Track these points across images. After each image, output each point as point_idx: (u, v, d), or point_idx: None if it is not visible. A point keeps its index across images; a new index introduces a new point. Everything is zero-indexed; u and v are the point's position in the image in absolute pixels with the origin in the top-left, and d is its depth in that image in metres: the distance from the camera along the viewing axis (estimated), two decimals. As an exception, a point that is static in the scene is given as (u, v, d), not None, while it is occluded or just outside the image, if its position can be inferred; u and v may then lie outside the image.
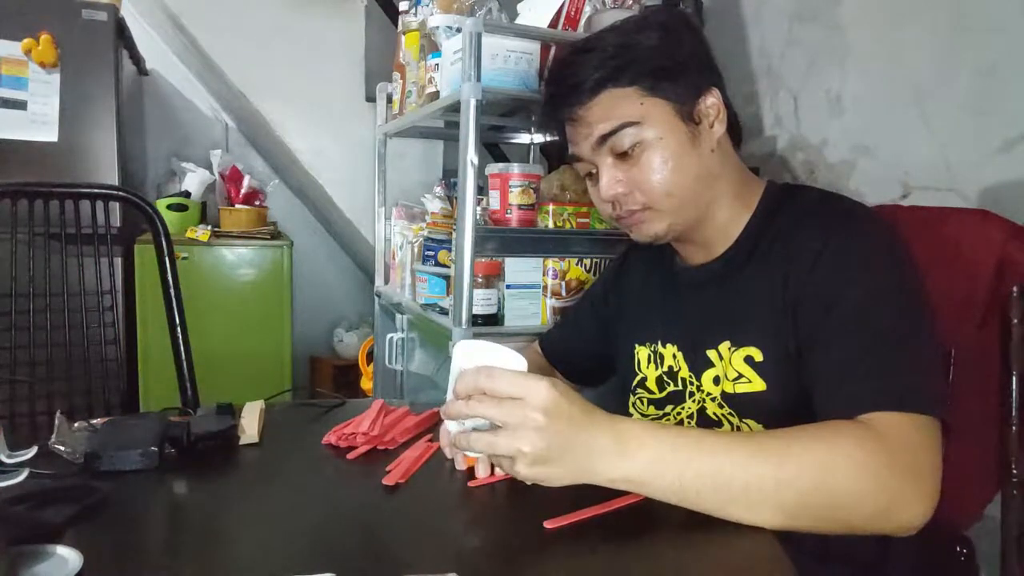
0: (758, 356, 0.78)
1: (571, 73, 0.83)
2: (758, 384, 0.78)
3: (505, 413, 0.60)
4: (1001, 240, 0.85)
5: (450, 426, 0.68)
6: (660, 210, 0.83)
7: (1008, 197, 1.13)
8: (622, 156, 0.82)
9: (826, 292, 0.73)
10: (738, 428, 0.81)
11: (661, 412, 0.91)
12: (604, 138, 0.82)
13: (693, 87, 0.82)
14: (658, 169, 0.80)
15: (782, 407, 0.76)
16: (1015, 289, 0.84)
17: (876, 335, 0.69)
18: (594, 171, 0.86)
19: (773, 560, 0.58)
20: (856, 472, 0.61)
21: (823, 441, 0.63)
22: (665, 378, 0.90)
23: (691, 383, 0.86)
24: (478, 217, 1.34)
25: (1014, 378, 0.84)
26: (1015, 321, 0.84)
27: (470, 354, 0.67)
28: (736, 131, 0.88)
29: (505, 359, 0.66)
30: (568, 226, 1.46)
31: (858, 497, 0.61)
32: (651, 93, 0.80)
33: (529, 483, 0.62)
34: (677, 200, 0.82)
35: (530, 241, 1.41)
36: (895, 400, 0.65)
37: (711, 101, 0.82)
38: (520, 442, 0.60)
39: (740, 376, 0.80)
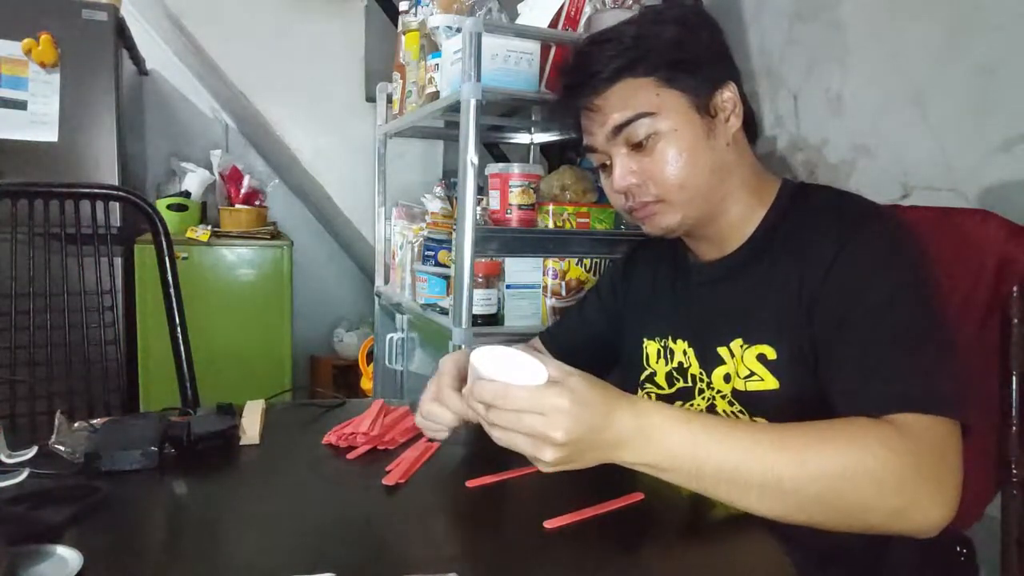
0: (771, 354, 0.78)
1: (588, 62, 0.83)
2: (771, 382, 0.78)
3: (526, 427, 0.60)
4: (1001, 240, 0.84)
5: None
6: (673, 202, 0.82)
7: (1008, 197, 1.13)
8: (636, 147, 0.82)
9: (844, 292, 0.73)
10: None
11: None
12: (619, 128, 0.81)
13: (710, 80, 0.81)
14: (672, 161, 0.80)
15: (794, 406, 0.76)
16: (1015, 289, 0.84)
17: (898, 335, 0.69)
18: (608, 162, 0.85)
19: (773, 560, 0.58)
20: (879, 472, 0.61)
21: (848, 439, 0.63)
22: (675, 374, 0.90)
23: (701, 379, 0.86)
24: (478, 217, 1.34)
25: (1014, 378, 0.84)
26: (1015, 321, 0.84)
27: (488, 361, 0.64)
28: (752, 127, 0.87)
29: (524, 368, 0.63)
30: (568, 226, 1.46)
31: (878, 498, 0.61)
32: (667, 84, 0.80)
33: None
34: (690, 193, 0.82)
35: (530, 241, 1.41)
36: (921, 402, 0.65)
37: (727, 95, 0.82)
38: (540, 452, 0.60)
39: (752, 374, 0.79)
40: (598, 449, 0.62)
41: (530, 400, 0.60)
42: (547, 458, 0.60)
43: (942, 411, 0.64)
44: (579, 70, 0.84)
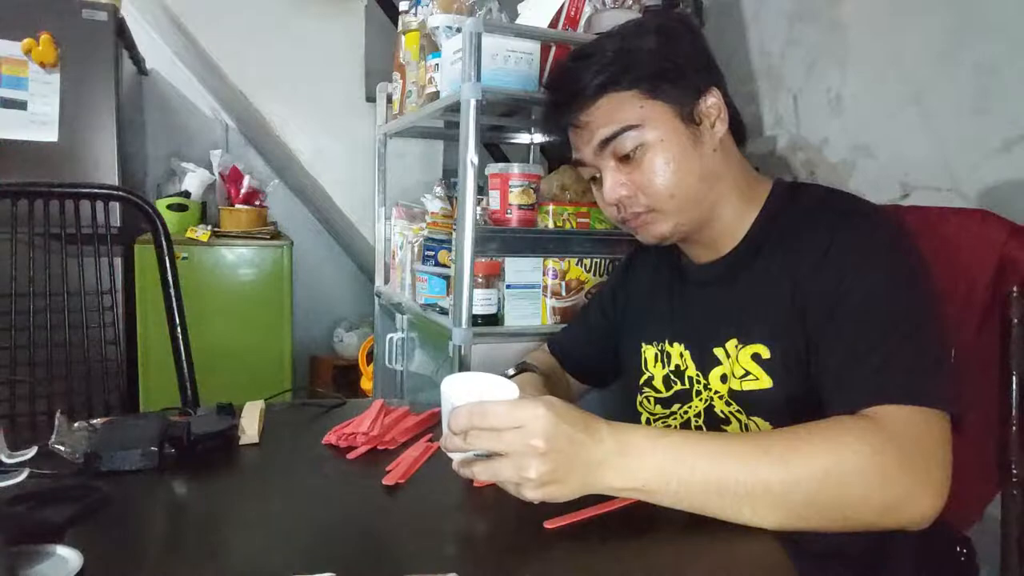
0: (765, 353, 0.79)
1: (571, 79, 0.84)
2: (765, 381, 0.78)
3: (506, 444, 0.60)
4: (1001, 240, 0.84)
5: (452, 454, 0.67)
6: (664, 211, 0.83)
7: (1008, 197, 1.13)
8: (624, 159, 0.83)
9: (833, 288, 0.73)
10: (746, 426, 0.81)
11: (668, 411, 0.91)
12: (606, 142, 0.82)
13: (693, 88, 0.82)
14: (660, 171, 0.81)
15: (789, 404, 0.76)
16: (1015, 289, 0.84)
17: (883, 330, 0.69)
18: (598, 175, 0.86)
19: (773, 560, 0.58)
20: (862, 469, 0.61)
21: (828, 439, 0.63)
22: (672, 377, 0.90)
23: (698, 381, 0.86)
24: (478, 217, 1.34)
25: (1014, 378, 0.84)
26: (1015, 321, 0.84)
27: (459, 388, 0.65)
28: (739, 130, 0.88)
29: (495, 388, 0.65)
30: (568, 226, 1.46)
31: (865, 494, 0.61)
32: (651, 96, 0.81)
33: (536, 503, 0.62)
34: (680, 201, 0.82)
35: (530, 241, 1.41)
36: (901, 393, 0.65)
37: (712, 101, 0.83)
38: (524, 470, 0.60)
39: (747, 373, 0.80)
40: (581, 468, 0.61)
41: (507, 414, 0.60)
42: (532, 474, 0.59)
43: (920, 401, 0.64)
44: (562, 87, 0.86)
